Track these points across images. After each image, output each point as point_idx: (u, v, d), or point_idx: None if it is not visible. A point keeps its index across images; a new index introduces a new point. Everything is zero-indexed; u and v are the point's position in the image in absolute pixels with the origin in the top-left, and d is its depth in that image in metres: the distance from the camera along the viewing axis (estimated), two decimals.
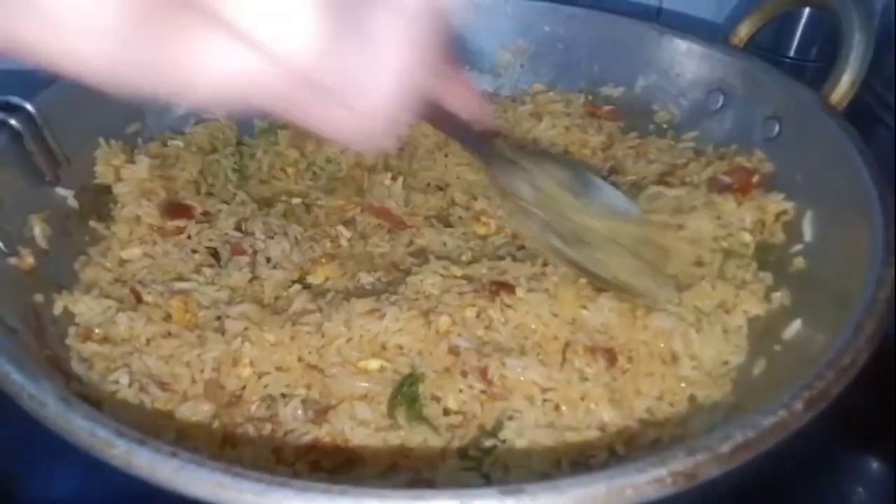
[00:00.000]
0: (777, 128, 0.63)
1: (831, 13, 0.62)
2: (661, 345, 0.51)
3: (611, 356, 0.50)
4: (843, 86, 0.60)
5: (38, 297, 0.53)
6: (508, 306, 0.53)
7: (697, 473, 0.34)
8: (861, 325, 0.41)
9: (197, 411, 0.48)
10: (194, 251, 0.60)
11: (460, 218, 0.65)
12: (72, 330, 0.53)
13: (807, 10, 0.84)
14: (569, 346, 0.51)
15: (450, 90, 0.45)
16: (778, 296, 0.55)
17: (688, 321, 0.52)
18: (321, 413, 0.48)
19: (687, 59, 0.70)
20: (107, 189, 0.63)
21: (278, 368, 0.51)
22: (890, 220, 0.49)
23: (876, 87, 0.72)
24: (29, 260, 0.54)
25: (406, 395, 0.49)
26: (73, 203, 0.60)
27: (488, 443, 0.48)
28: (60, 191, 0.59)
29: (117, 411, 0.47)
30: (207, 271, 0.58)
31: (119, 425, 0.36)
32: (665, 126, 0.72)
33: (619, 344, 0.51)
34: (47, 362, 0.49)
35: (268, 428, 0.47)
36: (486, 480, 0.46)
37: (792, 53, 0.88)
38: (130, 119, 0.67)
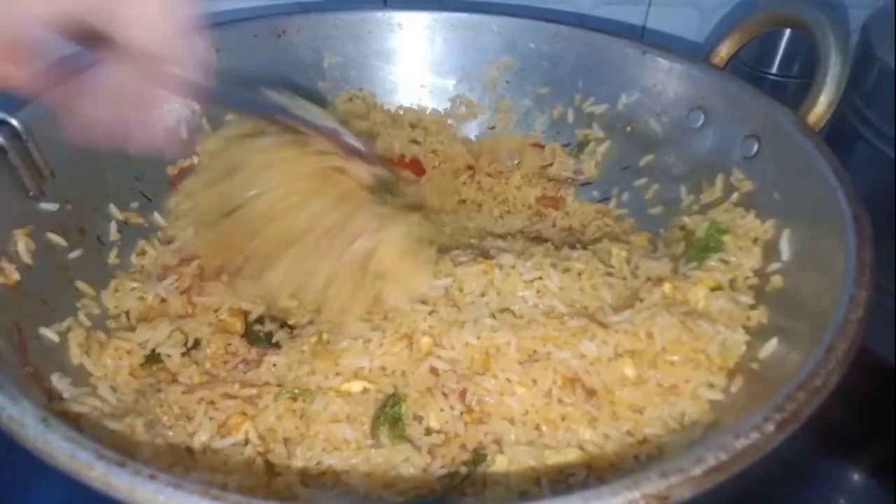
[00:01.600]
0: (756, 147, 0.63)
1: (808, 33, 0.63)
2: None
3: (589, 391, 0.51)
4: (821, 106, 0.61)
5: (21, 313, 0.53)
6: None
7: (670, 496, 0.34)
8: (833, 347, 0.42)
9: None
10: None
11: None
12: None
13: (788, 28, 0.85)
14: (549, 376, 0.51)
15: None
16: (755, 314, 0.55)
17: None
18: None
19: (668, 78, 0.71)
20: (91, 203, 0.63)
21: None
22: (863, 240, 0.50)
23: (856, 102, 0.73)
24: (14, 276, 0.54)
25: (389, 415, 0.49)
26: (57, 218, 0.60)
27: (470, 462, 0.48)
28: (45, 205, 0.59)
29: (98, 430, 0.47)
30: None
31: (98, 447, 0.36)
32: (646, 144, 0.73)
33: (598, 379, 0.51)
34: (29, 379, 0.49)
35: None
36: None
37: (775, 70, 0.89)
38: None
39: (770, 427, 0.37)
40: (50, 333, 0.54)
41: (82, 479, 0.36)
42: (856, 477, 0.64)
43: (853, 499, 0.63)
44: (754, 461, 0.36)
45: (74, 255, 0.60)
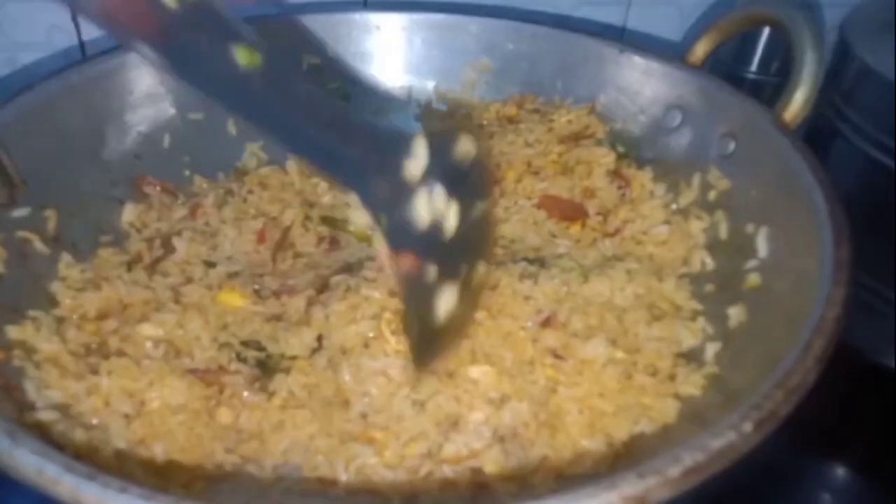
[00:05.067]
0: (733, 145, 0.64)
1: (784, 32, 0.64)
2: None
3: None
4: (796, 104, 0.61)
5: None
6: None
7: (648, 497, 0.34)
8: (810, 345, 0.42)
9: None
10: None
11: None
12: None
13: (767, 27, 0.86)
14: None
15: None
16: (733, 311, 0.55)
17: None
18: None
19: (645, 77, 0.71)
20: (66, 209, 0.62)
21: None
22: (840, 237, 0.50)
23: (835, 100, 0.74)
24: None
25: None
26: (30, 224, 0.58)
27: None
28: (17, 212, 0.58)
29: (70, 442, 0.46)
30: None
31: (67, 460, 0.36)
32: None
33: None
34: None
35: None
36: None
37: (753, 69, 0.89)
38: (92, 138, 0.66)
39: (747, 426, 0.37)
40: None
41: (51, 493, 0.35)
42: (840, 472, 0.64)
43: (838, 494, 0.63)
44: (732, 462, 0.36)
45: (48, 261, 0.59)
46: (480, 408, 0.48)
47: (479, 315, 0.52)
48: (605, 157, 0.70)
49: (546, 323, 0.54)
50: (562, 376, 0.50)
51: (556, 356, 0.51)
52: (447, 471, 0.46)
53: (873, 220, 0.67)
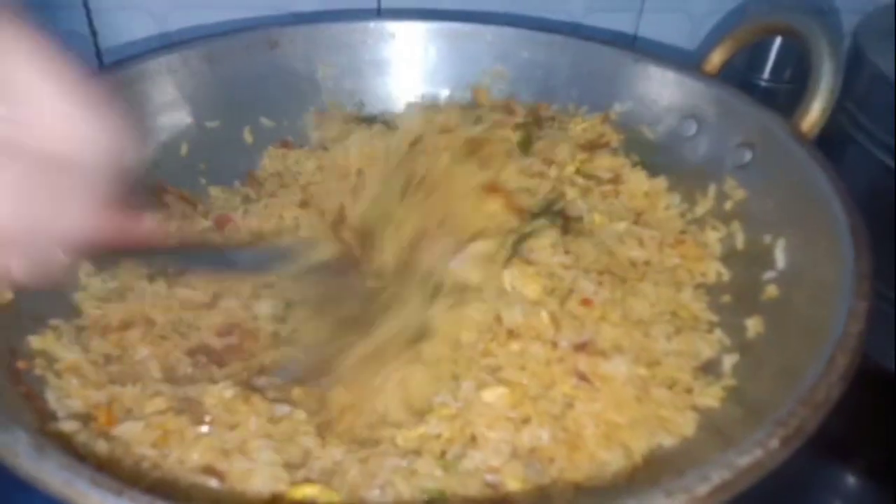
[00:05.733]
0: (749, 155, 0.64)
1: (801, 41, 0.64)
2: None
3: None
4: (814, 114, 0.61)
5: (14, 333, 0.52)
6: None
7: None
8: (834, 360, 0.42)
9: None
10: None
11: None
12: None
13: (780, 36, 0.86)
14: None
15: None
16: (751, 323, 0.55)
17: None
18: None
19: (661, 86, 0.71)
20: None
21: None
22: (860, 249, 0.50)
23: (848, 106, 0.74)
24: (7, 295, 0.53)
25: None
26: None
27: None
28: None
29: (92, 453, 0.46)
30: None
31: (94, 474, 0.36)
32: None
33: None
34: (21, 400, 0.48)
35: None
36: None
37: (766, 76, 0.89)
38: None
39: (774, 443, 0.37)
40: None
41: None
42: (851, 480, 0.64)
43: (849, 501, 0.63)
44: (758, 479, 0.36)
45: (68, 270, 0.59)
46: (499, 427, 0.48)
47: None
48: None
49: (581, 348, 0.53)
50: (580, 393, 0.50)
51: (582, 378, 0.51)
52: (466, 486, 0.46)
53: (885, 225, 0.67)
